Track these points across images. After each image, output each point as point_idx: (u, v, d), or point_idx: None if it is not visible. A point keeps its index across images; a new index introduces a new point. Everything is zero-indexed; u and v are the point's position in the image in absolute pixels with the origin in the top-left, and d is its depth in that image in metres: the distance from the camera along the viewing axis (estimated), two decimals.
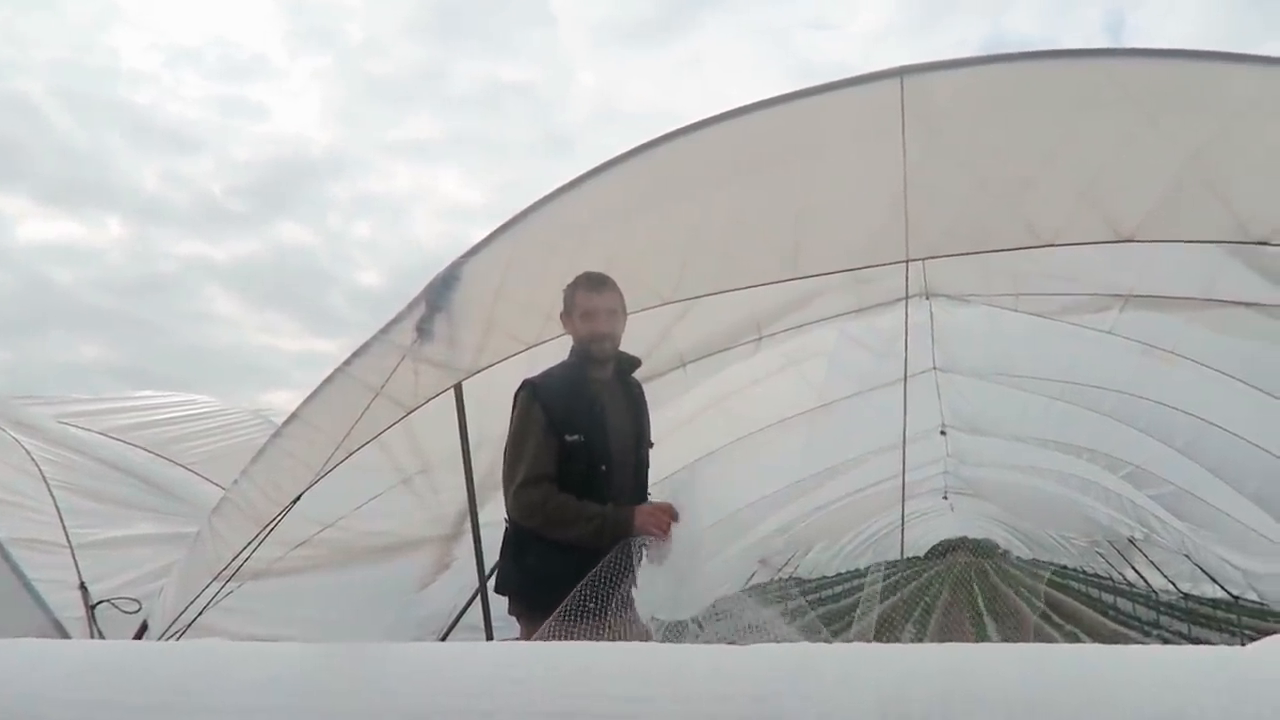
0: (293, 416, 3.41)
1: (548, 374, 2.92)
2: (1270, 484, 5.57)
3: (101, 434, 5.63)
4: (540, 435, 2.76)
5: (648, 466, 3.03)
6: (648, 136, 3.24)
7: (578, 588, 2.33)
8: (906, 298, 3.77)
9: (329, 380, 3.33)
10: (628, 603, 2.45)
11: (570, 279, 3.06)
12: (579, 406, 2.80)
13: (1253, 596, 8.82)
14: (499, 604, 3.95)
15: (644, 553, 2.61)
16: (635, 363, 3.00)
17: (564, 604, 2.27)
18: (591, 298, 2.84)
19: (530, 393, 2.84)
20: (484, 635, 3.95)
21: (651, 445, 3.06)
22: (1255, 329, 3.84)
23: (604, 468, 2.79)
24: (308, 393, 3.42)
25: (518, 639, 2.81)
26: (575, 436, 2.76)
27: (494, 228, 3.36)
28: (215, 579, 3.46)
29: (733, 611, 2.72)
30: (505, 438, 2.91)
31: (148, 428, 5.94)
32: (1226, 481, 6.15)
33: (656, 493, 3.03)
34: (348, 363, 3.31)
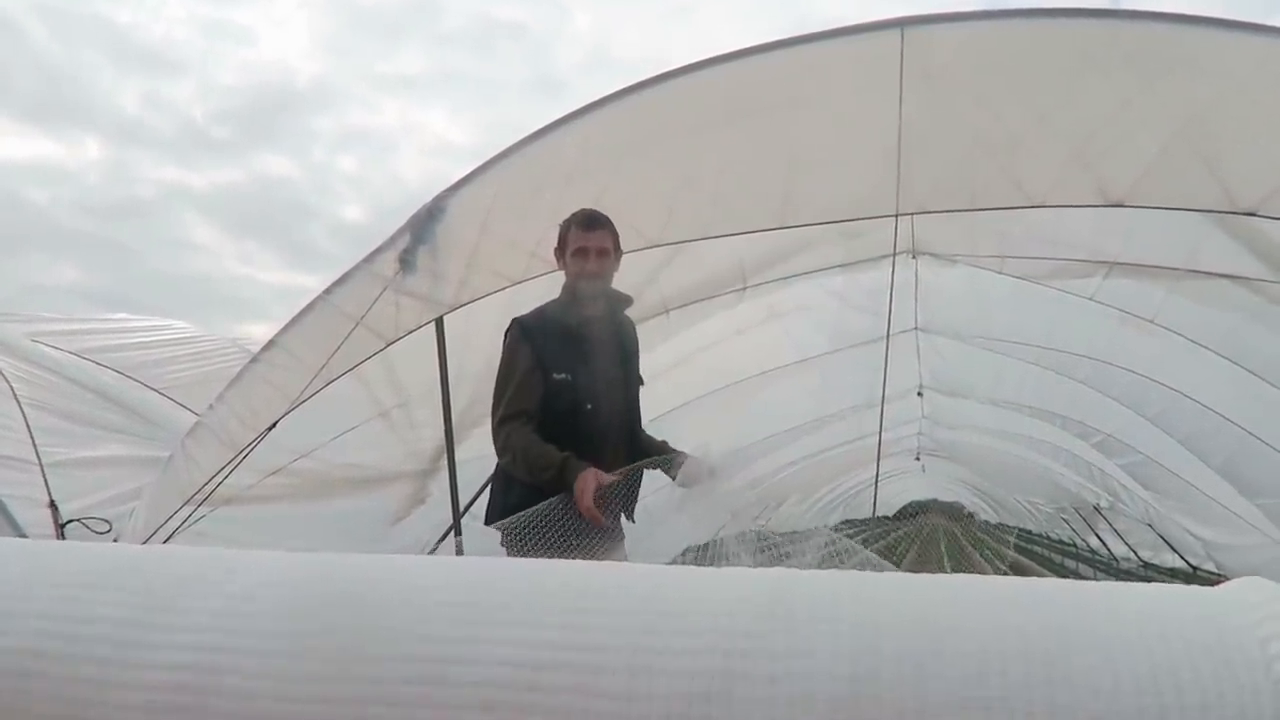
0: (271, 343, 3.38)
1: (537, 312, 2.91)
2: (1238, 457, 5.65)
3: (75, 354, 5.56)
4: (524, 373, 2.76)
5: (638, 406, 3.04)
6: None
7: (553, 512, 2.36)
8: (894, 252, 3.77)
9: (309, 308, 3.30)
10: (616, 537, 2.48)
11: (557, 216, 3.02)
12: (566, 345, 2.80)
13: (1210, 567, 9.01)
14: (472, 540, 3.98)
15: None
16: (627, 301, 2.99)
17: (537, 520, 2.31)
18: (583, 236, 2.81)
19: (519, 331, 2.84)
20: None
21: (642, 383, 3.06)
22: (1235, 301, 3.87)
23: (589, 406, 2.79)
24: (283, 325, 3.39)
25: None
26: (562, 375, 2.76)
27: None
28: (187, 503, 3.45)
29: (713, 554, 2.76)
30: (484, 374, 2.89)
31: (122, 350, 5.88)
32: (1195, 453, 6.24)
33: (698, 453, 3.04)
34: (329, 291, 3.28)
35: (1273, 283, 3.60)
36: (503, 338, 2.90)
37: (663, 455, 2.93)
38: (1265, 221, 3.08)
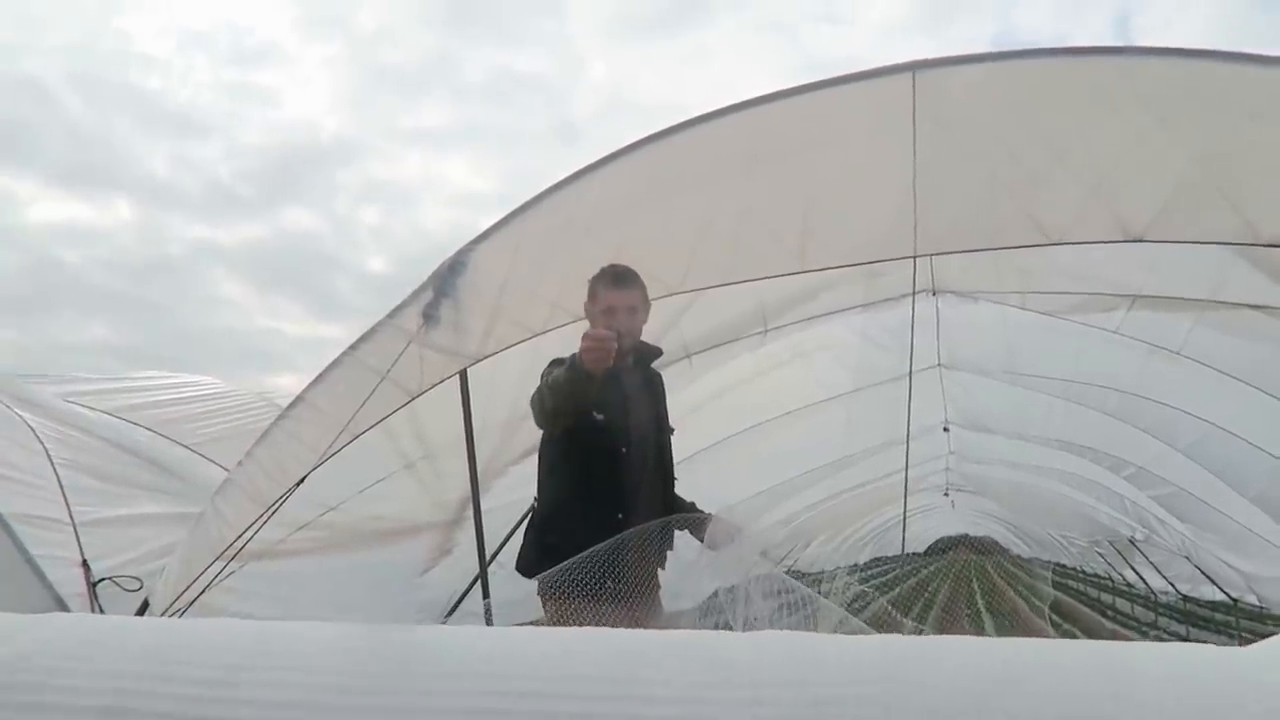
0: (298, 399, 3.42)
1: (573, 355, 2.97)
2: (1273, 487, 5.56)
3: (106, 413, 5.65)
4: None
5: (670, 452, 3.08)
6: (657, 128, 3.24)
7: (599, 558, 2.36)
8: (914, 293, 3.77)
9: (335, 364, 3.34)
10: (653, 586, 2.47)
11: (578, 267, 3.06)
12: (603, 389, 2.82)
13: (1252, 599, 8.82)
14: (498, 589, 3.98)
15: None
16: (656, 352, 3.06)
17: (586, 583, 2.30)
18: (613, 293, 2.89)
19: (558, 363, 2.88)
20: (483, 621, 3.96)
21: (673, 431, 3.10)
22: (1262, 331, 3.83)
23: (624, 450, 2.83)
24: (312, 377, 3.44)
25: (538, 620, 2.84)
26: (599, 415, 2.80)
27: (504, 215, 3.36)
28: (217, 559, 3.47)
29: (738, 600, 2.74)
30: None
31: (152, 408, 5.96)
32: (1229, 484, 6.14)
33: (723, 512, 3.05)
34: (354, 347, 3.31)
35: None
36: (541, 377, 2.94)
37: (692, 515, 2.94)
38: None
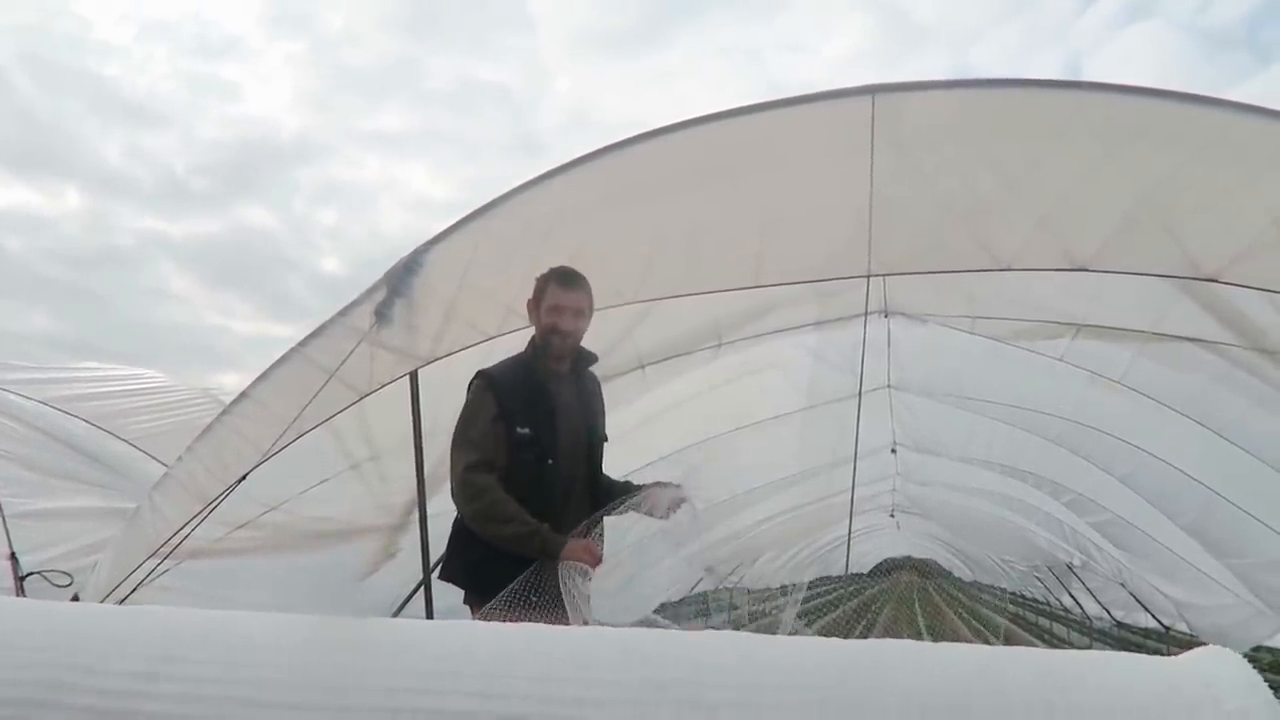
0: (243, 395, 3.36)
1: (502, 366, 2.92)
2: (1205, 517, 5.71)
3: (42, 403, 5.49)
4: (489, 424, 2.76)
5: (600, 462, 3.03)
6: None
7: (525, 576, 2.34)
8: (866, 313, 3.82)
9: (283, 360, 3.29)
10: (580, 598, 2.46)
11: (534, 272, 3.05)
12: (531, 400, 2.80)
13: (1182, 627, 9.03)
14: (442, 596, 3.93)
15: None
16: (592, 359, 3.00)
17: (510, 591, 2.29)
18: (560, 294, 2.85)
19: (484, 383, 2.84)
20: None
21: (606, 440, 3.06)
22: (1199, 364, 3.94)
23: (550, 461, 2.79)
24: (257, 375, 3.37)
25: None
26: (525, 430, 2.76)
27: None
28: (152, 555, 3.39)
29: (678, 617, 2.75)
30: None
31: (91, 399, 5.81)
32: (1164, 512, 6.29)
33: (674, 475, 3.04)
34: (303, 343, 3.27)
35: (1236, 346, 3.68)
36: (467, 389, 2.91)
37: (628, 494, 2.92)
38: (1227, 287, 3.16)
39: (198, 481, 3.40)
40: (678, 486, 2.86)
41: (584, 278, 2.89)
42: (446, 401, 3.74)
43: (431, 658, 0.88)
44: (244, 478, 3.33)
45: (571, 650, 0.88)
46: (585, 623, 2.40)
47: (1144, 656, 0.83)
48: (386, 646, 0.91)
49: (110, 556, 3.70)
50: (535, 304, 2.92)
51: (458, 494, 2.77)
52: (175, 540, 3.37)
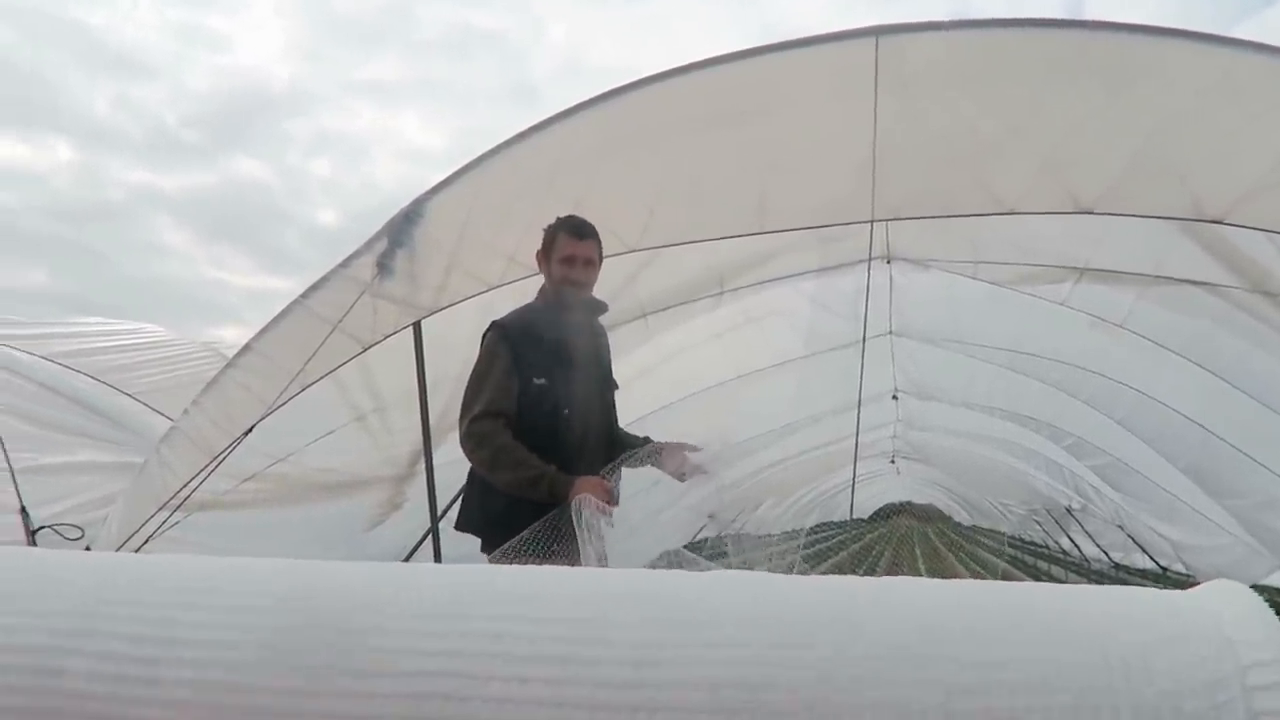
0: (246, 348, 3.37)
1: (516, 315, 2.90)
2: (1204, 459, 5.75)
3: (44, 358, 5.50)
4: (503, 375, 2.75)
5: (614, 410, 3.04)
6: None
7: (542, 522, 2.38)
8: (869, 258, 3.81)
9: (285, 313, 3.29)
10: (592, 532, 2.49)
11: (536, 221, 3.03)
12: (545, 350, 2.80)
13: (1179, 568, 9.14)
14: (449, 545, 3.98)
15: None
16: (602, 308, 2.99)
17: (525, 537, 2.32)
18: (573, 243, 2.83)
19: (499, 333, 2.83)
20: None
21: (616, 387, 3.07)
22: (1202, 307, 3.94)
23: (566, 411, 2.80)
24: (257, 329, 3.37)
25: None
26: (540, 380, 2.76)
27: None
28: (162, 508, 3.43)
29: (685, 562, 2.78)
30: (461, 378, 2.90)
31: (93, 354, 5.81)
32: (1162, 454, 6.33)
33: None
34: (305, 296, 3.26)
35: (1238, 289, 3.68)
36: (480, 339, 2.90)
37: (644, 448, 2.93)
38: (1231, 229, 3.15)
39: (204, 435, 3.42)
40: (699, 450, 2.86)
41: (593, 227, 2.88)
42: (450, 351, 3.76)
43: (440, 599, 0.89)
44: (250, 430, 3.35)
45: (578, 591, 0.89)
46: (600, 558, 2.43)
47: (1154, 590, 0.84)
48: (395, 589, 0.92)
49: (120, 510, 3.74)
50: (545, 255, 2.90)
51: (465, 443, 2.77)
52: (184, 493, 3.40)
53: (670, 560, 2.81)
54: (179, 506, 3.46)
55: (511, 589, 0.88)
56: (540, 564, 2.35)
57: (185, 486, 3.39)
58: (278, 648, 0.83)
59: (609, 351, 3.08)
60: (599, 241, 2.90)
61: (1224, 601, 0.79)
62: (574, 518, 2.46)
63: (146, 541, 3.45)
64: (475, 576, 0.93)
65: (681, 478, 2.86)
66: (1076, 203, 3.00)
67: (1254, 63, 2.63)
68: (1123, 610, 0.76)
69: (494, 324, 2.88)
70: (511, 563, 2.43)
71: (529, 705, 0.74)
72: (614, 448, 2.95)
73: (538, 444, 2.71)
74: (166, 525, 3.51)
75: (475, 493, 2.87)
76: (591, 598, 0.85)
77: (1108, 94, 2.85)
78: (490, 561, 2.63)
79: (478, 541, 2.92)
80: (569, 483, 2.61)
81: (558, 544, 2.42)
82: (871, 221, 3.20)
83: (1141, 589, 0.84)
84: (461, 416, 2.80)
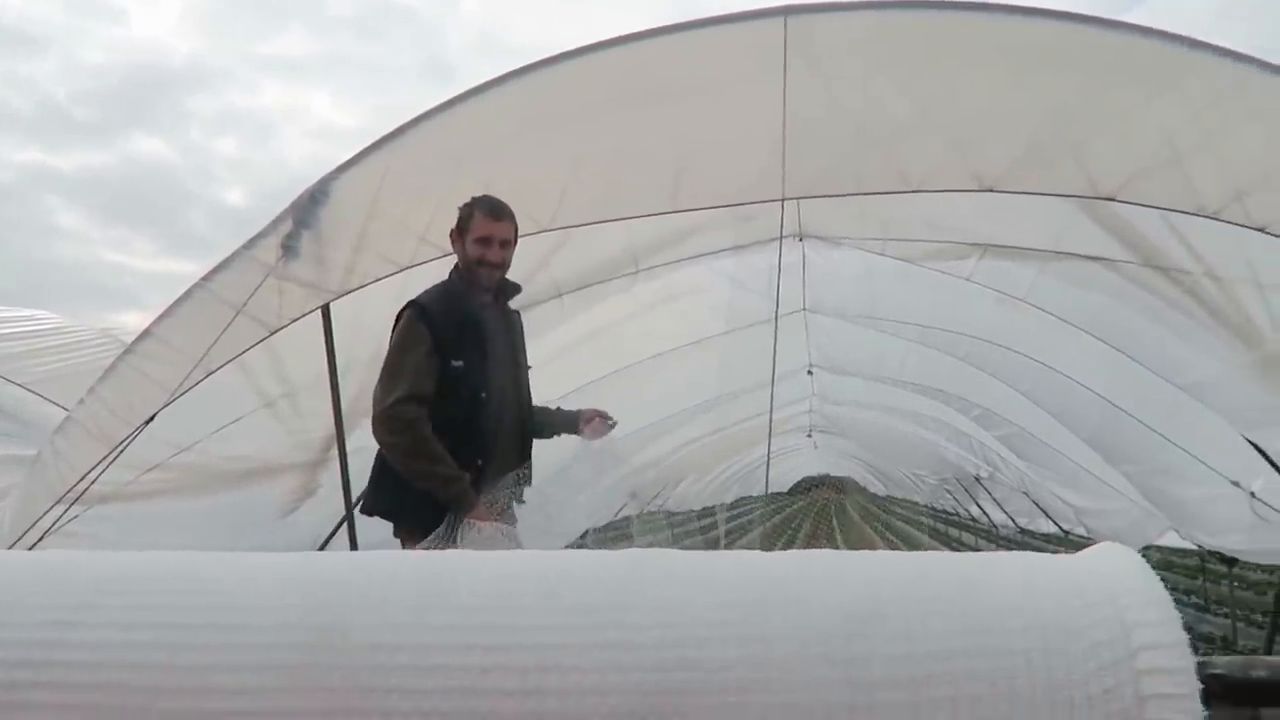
0: (146, 333, 3.24)
1: (432, 296, 2.88)
2: (1104, 427, 6.00)
3: None
4: (424, 357, 2.73)
5: (528, 391, 3.05)
6: None
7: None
8: (781, 236, 3.85)
9: (187, 296, 3.17)
10: (510, 520, 2.49)
11: (447, 200, 3.00)
12: (463, 331, 2.79)
13: (1081, 531, 9.55)
14: (365, 531, 3.91)
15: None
16: (516, 289, 3.00)
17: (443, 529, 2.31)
18: (489, 224, 2.82)
19: (418, 313, 2.80)
20: None
21: (530, 368, 3.08)
22: (1101, 282, 4.09)
23: (484, 394, 2.79)
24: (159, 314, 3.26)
25: None
26: (458, 363, 2.75)
27: None
28: (59, 501, 3.28)
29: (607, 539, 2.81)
30: (373, 361, 2.86)
31: None
32: (1065, 425, 6.59)
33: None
34: (207, 278, 3.16)
35: (1132, 264, 3.83)
36: (394, 320, 2.86)
37: (566, 420, 3.01)
38: (1124, 206, 3.28)
39: (102, 424, 3.28)
40: (613, 423, 2.97)
41: (509, 207, 2.87)
42: (360, 335, 3.68)
43: (355, 588, 0.87)
44: (152, 419, 3.23)
45: (495, 574, 0.88)
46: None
47: (1045, 555, 0.87)
48: (309, 577, 0.90)
49: (14, 505, 3.58)
50: (459, 234, 2.88)
51: (381, 427, 2.74)
52: (81, 486, 3.26)
53: (599, 537, 2.85)
54: (77, 499, 3.32)
55: (429, 574, 0.86)
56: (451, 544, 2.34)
57: (83, 479, 3.25)
58: (187, 645, 0.80)
59: (522, 333, 3.09)
60: (515, 222, 2.89)
61: (1111, 564, 0.82)
62: (461, 538, 2.47)
63: (43, 537, 3.31)
64: (394, 563, 0.91)
65: (593, 437, 2.97)
66: (980, 181, 3.08)
67: (1145, 46, 2.73)
68: (1018, 579, 0.78)
69: (411, 303, 2.85)
70: (419, 538, 2.42)
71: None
72: (528, 427, 2.96)
73: (455, 426, 2.70)
74: (64, 519, 3.37)
75: (388, 478, 2.83)
76: (509, 581, 0.83)
77: (1011, 76, 2.93)
78: (396, 533, 2.61)
79: (389, 526, 2.89)
80: (472, 503, 2.59)
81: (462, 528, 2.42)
82: (783, 200, 3.23)
83: (1035, 555, 0.86)
84: (381, 397, 2.75)
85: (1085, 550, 0.87)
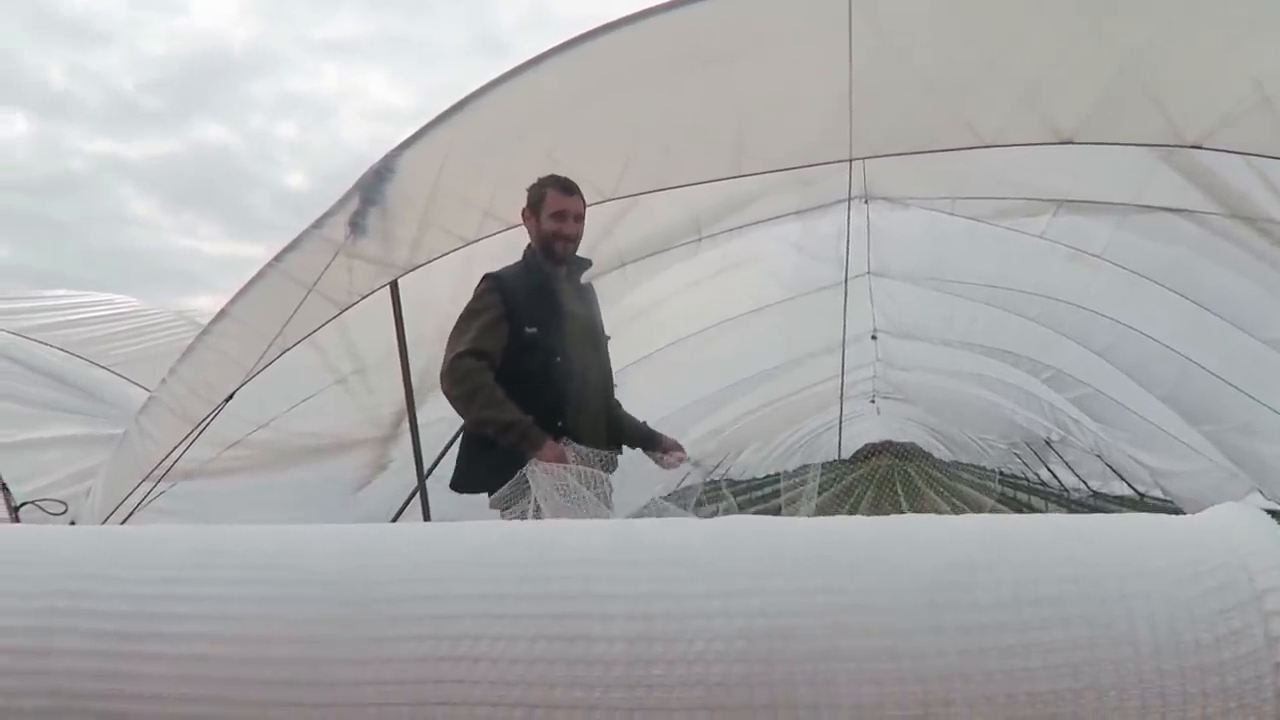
0: (222, 314, 3.31)
1: (507, 269, 2.96)
2: (1181, 386, 5.81)
3: (15, 334, 5.40)
4: (492, 320, 2.79)
5: (609, 361, 3.11)
6: None
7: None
8: (849, 198, 3.78)
9: (260, 276, 3.23)
10: (606, 493, 2.52)
11: (509, 173, 3.02)
12: (537, 300, 2.85)
13: (1157, 494, 9.30)
14: (436, 504, 3.97)
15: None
16: (587, 264, 3.06)
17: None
18: (562, 199, 2.88)
19: (491, 283, 2.87)
20: None
21: (609, 337, 3.13)
22: (1180, 235, 3.94)
23: (559, 359, 2.84)
24: (230, 297, 3.32)
25: None
26: (532, 329, 2.81)
27: None
28: (146, 479, 3.39)
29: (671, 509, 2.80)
30: (441, 336, 2.91)
31: (65, 328, 5.72)
32: (1140, 383, 6.39)
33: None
34: (279, 258, 3.21)
35: (1216, 214, 3.68)
36: (474, 291, 2.91)
37: (647, 436, 3.09)
38: (1208, 156, 3.14)
39: (183, 403, 3.37)
40: (684, 458, 3.07)
41: (578, 185, 2.93)
42: (428, 310, 3.72)
43: (437, 559, 0.88)
44: (230, 397, 3.31)
45: (590, 541, 0.87)
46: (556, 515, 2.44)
47: (1163, 516, 0.84)
48: (395, 548, 0.91)
49: (103, 482, 3.70)
50: (533, 212, 2.93)
51: (445, 382, 2.80)
52: (167, 463, 3.36)
53: (655, 510, 2.86)
54: (163, 477, 3.43)
55: (515, 542, 0.86)
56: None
57: (168, 456, 3.35)
58: (277, 617, 0.82)
59: (598, 304, 3.14)
60: (583, 197, 2.94)
61: (1235, 524, 0.78)
62: (530, 479, 2.48)
63: (132, 513, 3.42)
64: (473, 533, 0.91)
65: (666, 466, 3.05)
66: (1056, 133, 2.97)
67: None
68: (1139, 541, 0.76)
69: (486, 275, 2.93)
70: (514, 508, 2.45)
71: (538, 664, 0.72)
72: (610, 410, 3.01)
73: (531, 390, 2.75)
74: (151, 496, 3.48)
75: (477, 451, 2.88)
76: (605, 547, 0.83)
77: (1085, 23, 2.81)
78: (492, 505, 2.65)
79: (466, 500, 2.93)
80: (540, 440, 2.62)
81: (558, 493, 2.44)
82: (850, 160, 3.17)
83: (1152, 517, 0.84)
84: (445, 355, 2.82)
85: (1206, 511, 0.84)
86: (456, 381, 2.75)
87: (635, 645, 0.75)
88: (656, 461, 3.04)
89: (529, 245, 2.97)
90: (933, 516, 0.92)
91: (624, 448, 3.04)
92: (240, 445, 3.88)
